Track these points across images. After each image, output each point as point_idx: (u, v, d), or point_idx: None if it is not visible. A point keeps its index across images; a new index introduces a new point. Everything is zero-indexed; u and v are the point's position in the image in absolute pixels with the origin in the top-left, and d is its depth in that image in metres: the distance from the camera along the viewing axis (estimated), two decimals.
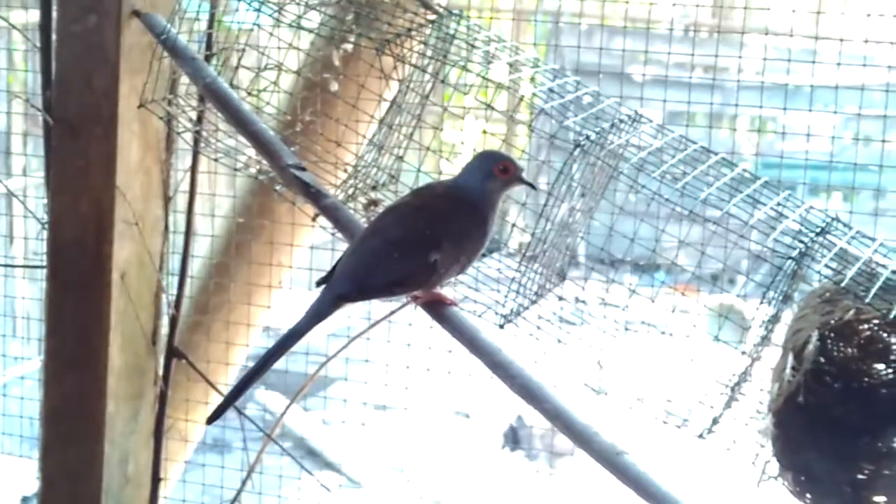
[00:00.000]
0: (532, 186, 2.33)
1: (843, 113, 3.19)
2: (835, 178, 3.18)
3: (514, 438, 7.46)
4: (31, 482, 3.85)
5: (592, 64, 3.24)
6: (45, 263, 2.86)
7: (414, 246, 2.20)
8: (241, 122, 2.52)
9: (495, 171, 2.26)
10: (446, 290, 2.32)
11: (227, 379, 3.41)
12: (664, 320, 2.63)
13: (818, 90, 3.12)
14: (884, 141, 3.06)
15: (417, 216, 2.24)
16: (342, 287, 2.20)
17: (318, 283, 2.27)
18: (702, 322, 2.69)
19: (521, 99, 2.40)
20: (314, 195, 2.40)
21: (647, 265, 2.62)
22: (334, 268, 2.27)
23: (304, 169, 2.45)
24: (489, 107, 2.42)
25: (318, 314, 2.20)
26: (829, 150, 3.11)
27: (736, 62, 3.17)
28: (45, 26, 2.87)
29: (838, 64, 3.02)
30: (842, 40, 3.04)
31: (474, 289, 2.46)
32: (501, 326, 2.35)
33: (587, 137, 2.31)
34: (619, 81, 3.24)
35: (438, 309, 2.24)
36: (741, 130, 3.24)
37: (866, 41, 2.97)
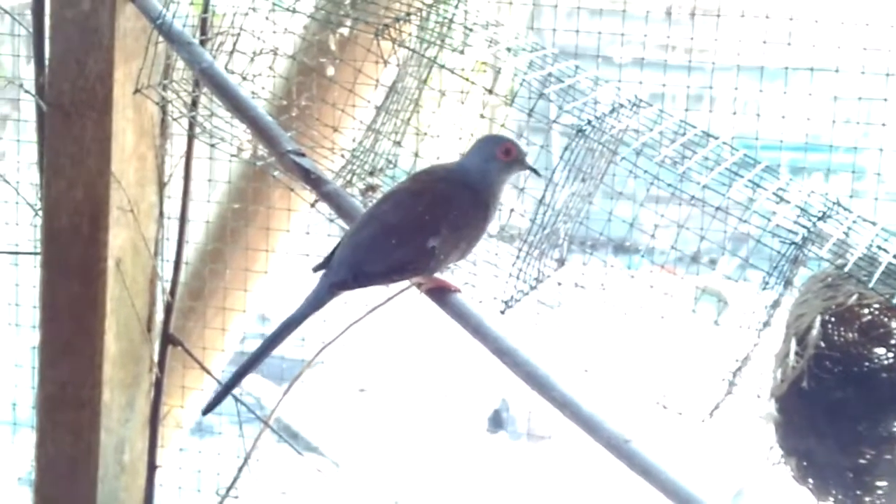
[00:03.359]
0: (535, 172, 2.30)
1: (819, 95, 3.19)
2: (812, 159, 3.18)
3: (497, 421, 7.48)
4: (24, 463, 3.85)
5: (571, 46, 3.22)
6: (38, 250, 2.84)
7: (412, 232, 2.18)
8: (238, 108, 2.50)
9: (498, 153, 2.24)
10: (447, 276, 2.31)
11: (223, 365, 3.39)
12: (659, 303, 2.63)
13: (793, 72, 3.12)
14: (858, 123, 3.07)
15: (416, 202, 2.22)
16: (339, 275, 2.19)
17: (315, 270, 2.25)
18: (687, 304, 2.68)
19: (522, 83, 2.38)
20: (315, 181, 2.38)
21: (630, 247, 2.62)
22: (331, 254, 2.25)
23: (303, 155, 2.43)
24: (490, 91, 2.41)
25: (315, 302, 2.19)
26: (806, 131, 3.11)
27: (713, 44, 3.17)
28: (38, 10, 2.84)
29: (813, 45, 3.02)
30: (816, 21, 3.04)
31: (473, 274, 2.45)
32: (503, 312, 2.34)
33: (588, 122, 2.30)
34: (596, 63, 3.23)
35: (442, 296, 2.22)
36: (718, 112, 3.22)
37: (842, 23, 2.97)
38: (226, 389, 2.24)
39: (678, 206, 2.54)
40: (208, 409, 2.26)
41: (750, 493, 5.12)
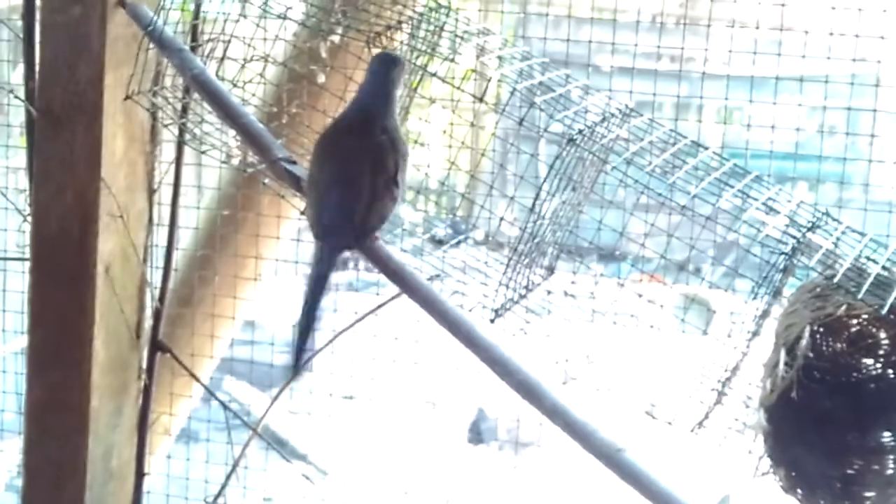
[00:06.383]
0: None
1: (807, 105, 3.20)
2: (800, 168, 3.19)
3: (477, 431, 7.50)
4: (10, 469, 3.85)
5: (560, 53, 3.23)
6: (27, 256, 2.83)
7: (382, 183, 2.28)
8: (230, 115, 2.49)
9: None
10: (436, 286, 2.31)
11: (211, 372, 3.38)
12: (648, 312, 2.63)
13: (783, 81, 3.13)
14: (847, 133, 3.08)
15: (362, 151, 2.30)
16: (342, 236, 2.26)
17: None
18: (675, 312, 2.69)
19: (513, 92, 2.39)
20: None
21: (619, 255, 2.63)
22: None
23: (294, 162, 2.43)
24: (480, 100, 2.41)
25: (329, 264, 2.26)
26: (795, 140, 3.12)
27: (703, 53, 3.17)
28: (27, 15, 2.83)
29: (803, 56, 3.03)
30: (807, 32, 3.05)
31: (463, 283, 2.45)
32: (492, 321, 2.35)
33: (579, 132, 2.30)
34: (586, 71, 3.23)
35: (435, 305, 2.22)
36: (707, 121, 3.23)
37: (831, 34, 2.98)
38: (300, 346, 2.28)
39: (667, 216, 2.54)
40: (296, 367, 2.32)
41: (735, 499, 5.13)
